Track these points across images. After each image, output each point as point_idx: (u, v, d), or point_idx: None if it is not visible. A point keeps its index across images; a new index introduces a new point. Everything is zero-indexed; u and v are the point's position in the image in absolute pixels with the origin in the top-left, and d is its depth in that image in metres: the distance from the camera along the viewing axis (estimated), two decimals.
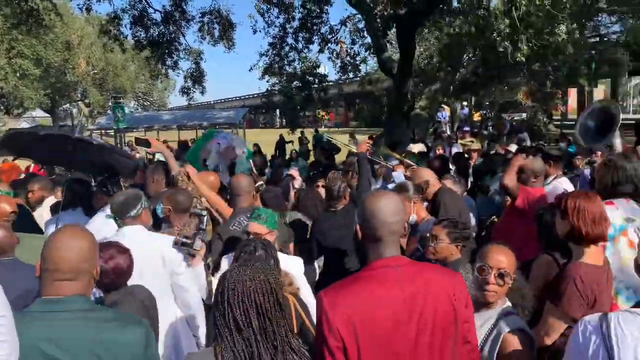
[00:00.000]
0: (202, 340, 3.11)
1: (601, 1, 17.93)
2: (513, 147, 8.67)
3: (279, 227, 3.33)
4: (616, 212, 3.05)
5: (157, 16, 17.19)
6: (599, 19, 20.20)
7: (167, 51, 17.57)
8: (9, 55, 32.76)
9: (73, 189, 4.34)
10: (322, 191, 5.23)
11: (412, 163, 5.87)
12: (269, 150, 17.05)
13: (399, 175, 5.86)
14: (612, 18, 20.72)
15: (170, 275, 3.05)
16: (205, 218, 3.67)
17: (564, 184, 5.46)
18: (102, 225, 3.58)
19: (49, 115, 45.11)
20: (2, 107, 39.05)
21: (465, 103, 30.76)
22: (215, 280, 3.00)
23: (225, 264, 3.19)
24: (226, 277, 1.78)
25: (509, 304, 2.34)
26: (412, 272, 1.86)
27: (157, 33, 17.29)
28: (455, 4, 11.62)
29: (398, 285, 1.81)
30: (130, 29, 17.19)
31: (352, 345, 1.74)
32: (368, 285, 1.82)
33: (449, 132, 18.01)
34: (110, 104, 20.29)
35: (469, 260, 2.94)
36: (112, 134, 23.26)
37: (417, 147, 10.79)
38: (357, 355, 1.74)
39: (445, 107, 23.91)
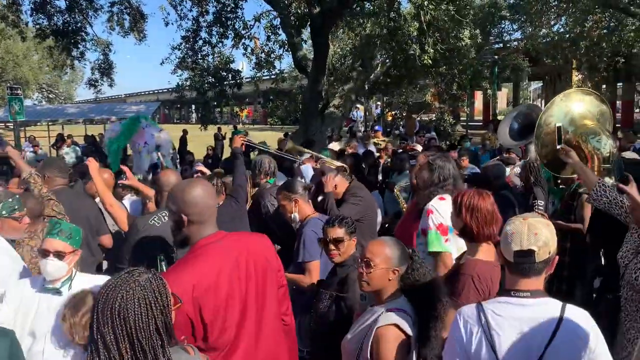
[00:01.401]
0: None
1: (504, 9, 19.12)
2: (419, 147, 9.03)
3: None
4: (449, 204, 3.18)
5: (62, 4, 16.21)
6: (502, 26, 21.51)
7: (72, 41, 16.59)
8: None
9: None
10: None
11: (323, 156, 5.95)
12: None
13: (306, 168, 5.93)
14: (514, 26, 22.15)
15: None
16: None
17: None
18: None
19: None
20: None
21: (379, 103, 31.67)
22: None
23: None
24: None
25: (399, 300, 2.32)
26: (232, 241, 2.29)
27: (61, 22, 16.30)
28: (367, 5, 11.90)
29: (225, 253, 2.22)
30: (32, 16, 16.08)
31: (197, 317, 2.06)
32: (201, 261, 2.16)
33: (362, 131, 18.49)
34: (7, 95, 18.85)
35: None
36: (12, 127, 21.68)
37: (337, 146, 10.97)
38: (203, 326, 2.09)
39: (360, 106, 24.47)
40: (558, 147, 3.54)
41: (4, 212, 3.01)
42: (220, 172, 6.48)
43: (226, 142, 19.00)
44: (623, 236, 3.19)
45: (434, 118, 22.79)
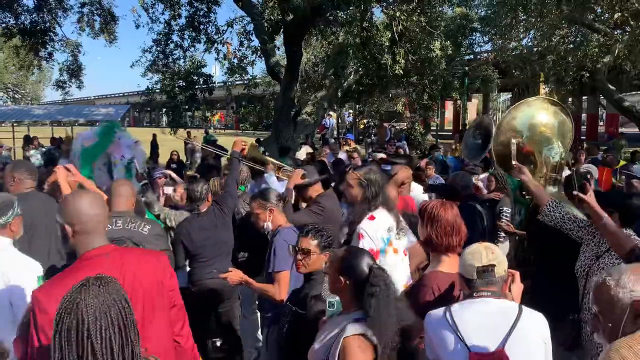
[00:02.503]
0: None
1: (475, 22, 19.51)
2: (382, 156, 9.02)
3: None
4: (379, 223, 3.27)
5: (30, 3, 15.90)
6: (473, 38, 21.93)
7: (40, 41, 16.25)
8: None
9: None
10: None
11: (285, 165, 5.92)
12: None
13: (269, 176, 5.92)
14: (485, 38, 22.60)
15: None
16: None
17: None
18: None
19: None
20: None
21: (351, 111, 31.88)
22: None
23: None
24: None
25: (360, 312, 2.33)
26: (120, 256, 2.19)
27: (29, 21, 15.95)
28: (340, 14, 11.99)
29: (110, 267, 2.08)
30: None
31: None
32: (83, 274, 1.86)
33: (334, 139, 18.59)
34: None
35: None
36: None
37: (304, 152, 10.98)
38: None
39: (332, 114, 24.58)
40: (513, 163, 3.59)
41: None
42: (194, 176, 6.43)
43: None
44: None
45: (405, 127, 23.08)
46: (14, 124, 22.23)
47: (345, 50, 11.49)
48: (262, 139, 14.78)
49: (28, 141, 15.64)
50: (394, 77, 11.73)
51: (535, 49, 18.52)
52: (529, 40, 20.08)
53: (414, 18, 10.53)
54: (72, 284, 1.77)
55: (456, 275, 2.61)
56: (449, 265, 2.69)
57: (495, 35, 20.10)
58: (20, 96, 51.57)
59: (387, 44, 10.69)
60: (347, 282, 2.34)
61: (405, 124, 22.94)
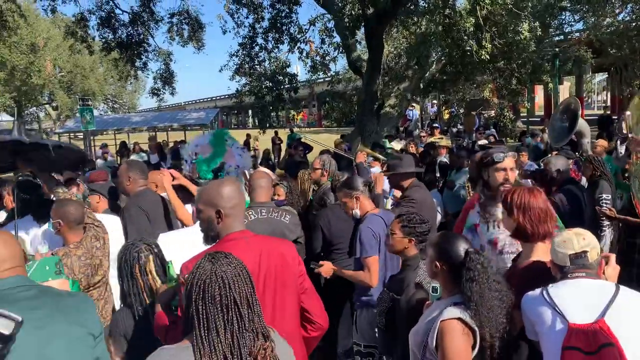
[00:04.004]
0: None
1: (564, 0, 18.46)
2: (483, 142, 8.88)
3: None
4: None
5: (125, 17, 17.04)
6: (563, 17, 20.78)
7: (136, 52, 17.40)
8: None
9: (19, 196, 3.96)
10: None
11: (382, 157, 6.01)
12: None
13: (376, 170, 6.02)
14: (575, 17, 21.32)
15: None
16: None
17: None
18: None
19: (13, 119, 44.06)
20: None
21: (435, 101, 31.25)
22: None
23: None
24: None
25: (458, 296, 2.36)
26: (257, 241, 2.39)
27: (125, 34, 17.12)
28: (421, 3, 11.85)
29: (248, 251, 2.29)
30: (98, 30, 16.99)
31: None
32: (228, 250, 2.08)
33: (419, 130, 18.32)
34: (78, 106, 19.98)
35: None
36: (82, 137, 22.91)
37: (397, 145, 10.97)
38: None
39: (415, 105, 24.23)
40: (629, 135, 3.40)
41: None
42: (282, 174, 6.65)
43: (283, 145, 19.31)
44: None
45: (492, 115, 22.29)
46: (115, 132, 23.91)
47: (428, 39, 11.31)
48: (345, 135, 14.91)
49: (125, 147, 16.74)
50: (479, 63, 11.40)
51: (633, 24, 17.25)
52: (626, 14, 18.74)
53: (500, 1, 10.15)
54: None
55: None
56: (544, 252, 2.56)
57: (587, 13, 18.93)
58: (118, 106, 55.22)
59: (471, 29, 10.40)
60: (444, 266, 2.37)
61: (494, 111, 22.14)
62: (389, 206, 5.24)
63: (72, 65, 40.91)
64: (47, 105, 46.02)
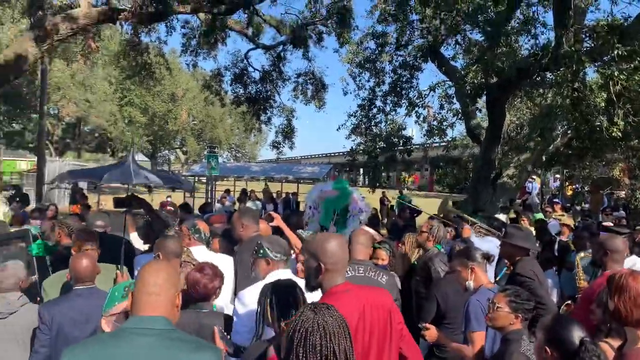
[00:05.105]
0: None
1: None
2: (608, 224, 8.24)
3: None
4: None
5: (256, 75, 18.40)
6: None
7: (262, 107, 18.63)
8: (120, 103, 35.98)
9: (152, 228, 4.57)
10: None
11: (483, 225, 5.77)
12: None
13: (492, 240, 5.82)
14: None
15: None
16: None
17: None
18: None
19: (148, 160, 48.46)
20: (108, 150, 42.56)
21: (557, 175, 29.57)
22: None
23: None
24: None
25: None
26: (359, 293, 2.46)
27: (254, 90, 18.45)
28: (548, 75, 11.48)
29: (352, 302, 2.37)
30: (231, 85, 18.51)
31: None
32: (334, 304, 2.17)
33: (539, 204, 17.37)
34: (205, 152, 21.58)
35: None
36: (204, 181, 24.53)
37: (503, 217, 10.55)
38: None
39: (536, 177, 23.10)
40: None
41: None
42: (384, 235, 6.61)
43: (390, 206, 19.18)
44: None
45: (623, 195, 20.59)
46: (235, 179, 25.32)
47: (554, 111, 10.86)
48: (456, 202, 14.52)
49: (245, 194, 17.64)
50: (610, 140, 10.65)
51: None
52: None
53: (636, 77, 9.53)
54: None
55: None
56: None
57: None
58: (240, 155, 58.76)
59: (602, 104, 9.83)
60: (554, 353, 2.21)
61: (624, 192, 20.45)
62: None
63: (204, 115, 44.52)
64: (178, 150, 50.22)
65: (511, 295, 2.95)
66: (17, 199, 12.31)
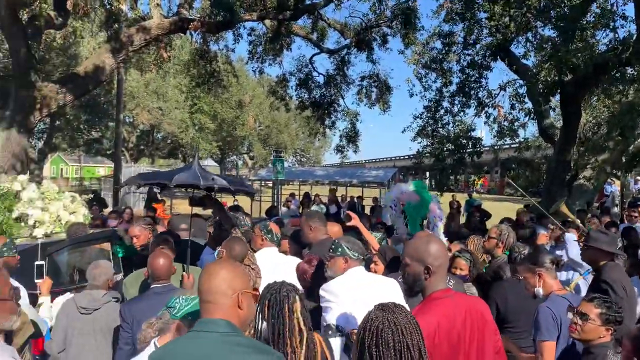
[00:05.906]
0: None
1: None
2: None
3: None
4: None
5: (321, 79, 18.52)
6: None
7: (326, 112, 18.71)
8: (191, 110, 37.30)
9: (221, 228, 4.72)
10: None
11: (582, 227, 5.52)
12: None
13: (571, 237, 5.54)
14: None
15: None
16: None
17: None
18: None
19: (217, 165, 49.89)
20: (179, 155, 44.18)
21: (639, 177, 27.84)
22: None
23: None
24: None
25: None
26: (459, 299, 2.46)
27: (319, 95, 18.57)
28: (629, 70, 10.83)
29: (456, 306, 2.37)
30: (296, 90, 18.73)
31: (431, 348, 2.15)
32: (442, 308, 2.33)
33: (617, 208, 16.40)
34: (272, 157, 21.99)
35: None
36: (270, 185, 24.99)
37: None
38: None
39: (615, 180, 21.85)
40: None
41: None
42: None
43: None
44: None
45: None
46: (300, 183, 25.60)
47: (636, 108, 10.24)
48: (530, 205, 13.95)
49: (308, 198, 17.77)
50: None
51: None
52: None
53: None
54: (435, 312, 2.28)
55: None
56: None
57: None
58: (305, 159, 59.41)
59: None
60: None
61: None
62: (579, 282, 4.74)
63: (270, 121, 45.36)
64: (245, 155, 51.41)
65: (602, 307, 2.76)
66: (94, 202, 12.99)
